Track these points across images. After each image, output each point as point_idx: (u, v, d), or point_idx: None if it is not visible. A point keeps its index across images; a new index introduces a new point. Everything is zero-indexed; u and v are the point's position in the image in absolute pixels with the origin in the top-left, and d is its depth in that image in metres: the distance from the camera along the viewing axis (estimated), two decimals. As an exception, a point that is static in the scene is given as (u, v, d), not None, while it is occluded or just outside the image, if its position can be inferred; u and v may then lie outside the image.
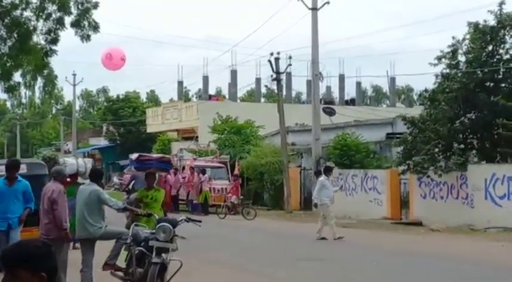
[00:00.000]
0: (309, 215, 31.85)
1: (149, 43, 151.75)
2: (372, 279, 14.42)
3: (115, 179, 57.11)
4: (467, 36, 27.15)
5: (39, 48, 19.43)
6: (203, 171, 33.80)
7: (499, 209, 24.16)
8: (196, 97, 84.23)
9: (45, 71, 20.58)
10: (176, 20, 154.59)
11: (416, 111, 34.34)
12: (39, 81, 20.86)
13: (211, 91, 68.99)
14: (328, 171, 23.07)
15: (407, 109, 52.84)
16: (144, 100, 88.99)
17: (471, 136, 27.16)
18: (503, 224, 23.43)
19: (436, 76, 27.90)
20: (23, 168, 15.75)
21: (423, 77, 64.31)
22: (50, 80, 21.11)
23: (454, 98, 26.47)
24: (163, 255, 10.93)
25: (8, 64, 19.73)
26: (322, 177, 22.32)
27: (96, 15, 19.50)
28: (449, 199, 26.19)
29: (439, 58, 27.42)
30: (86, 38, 19.17)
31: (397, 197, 29.31)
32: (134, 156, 17.81)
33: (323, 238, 21.17)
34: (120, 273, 11.65)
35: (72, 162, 18.61)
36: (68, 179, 16.32)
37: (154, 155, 14.14)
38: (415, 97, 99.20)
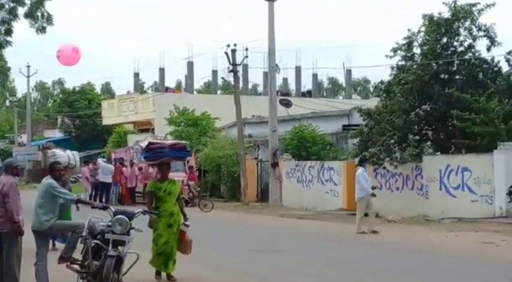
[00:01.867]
0: (265, 206, 31.95)
1: (105, 36, 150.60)
2: (327, 270, 14.48)
3: (71, 172, 56.60)
4: (422, 29, 27.40)
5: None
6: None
7: (453, 199, 24.48)
8: (152, 89, 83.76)
9: (1, 63, 20.27)
10: (133, 12, 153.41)
11: (372, 103, 34.62)
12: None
13: (171, 84, 68.74)
14: (364, 161, 23.07)
15: (363, 101, 53.15)
16: (99, 92, 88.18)
17: (426, 127, 27.43)
18: (458, 215, 23.74)
19: (392, 68, 28.14)
20: (-26, 162, 15.57)
21: (379, 69, 64.70)
22: (3, 72, 20.83)
23: (410, 90, 26.71)
24: (119, 248, 10.81)
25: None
26: (361, 169, 22.06)
27: (50, 8, 19.28)
28: (405, 190, 26.46)
29: (394, 50, 27.63)
30: (40, 30, 18.95)
31: (353, 188, 29.41)
32: (144, 144, 12.62)
33: (363, 232, 20.94)
34: (76, 266, 11.50)
35: (63, 155, 16.90)
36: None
37: (167, 142, 11.15)
38: (372, 89, 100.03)
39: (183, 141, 13.68)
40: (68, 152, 17.37)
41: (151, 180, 13.07)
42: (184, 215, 12.49)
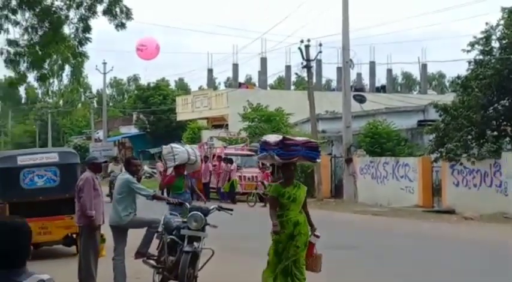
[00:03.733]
0: (339, 203, 31.76)
1: (178, 31, 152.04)
2: (406, 270, 14.27)
3: (146, 168, 57.32)
4: (501, 22, 26.79)
5: (72, 37, 19.41)
6: (230, 160, 33.81)
7: (533, 196, 23.89)
8: (225, 85, 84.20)
9: (77, 60, 20.57)
10: (205, 7, 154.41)
11: (448, 98, 34.02)
12: (67, 70, 20.87)
13: (241, 79, 68.91)
14: None
15: (438, 96, 52.37)
16: (174, 88, 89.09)
17: (505, 123, 26.82)
18: (538, 212, 23.17)
19: (469, 62, 27.59)
20: (55, 157, 15.84)
21: (455, 63, 63.84)
22: (78, 69, 21.12)
23: (488, 85, 26.13)
24: (195, 243, 10.91)
25: (39, 53, 19.75)
26: None
27: (127, 2, 19.41)
28: (483, 187, 25.92)
29: (472, 44, 27.09)
30: (120, 26, 19.08)
31: (429, 185, 29.06)
32: (272, 138, 10.57)
33: None
34: (152, 262, 11.64)
35: (182, 150, 15.27)
36: (170, 172, 15.33)
37: (299, 138, 9.66)
38: (447, 84, 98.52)
39: (315, 140, 11.32)
40: (187, 146, 16.03)
41: (275, 184, 10.69)
42: (312, 225, 10.34)
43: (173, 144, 15.82)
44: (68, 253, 16.05)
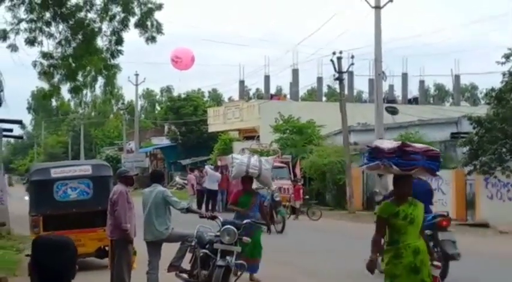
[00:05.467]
0: (371, 215, 31.50)
1: (210, 43, 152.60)
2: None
3: (177, 179, 57.44)
4: (537, 34, 26.52)
5: (105, 49, 19.55)
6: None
7: None
8: (254, 96, 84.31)
9: (109, 71, 20.69)
10: (237, 19, 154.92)
11: (482, 110, 33.68)
12: (100, 81, 21.03)
13: (272, 90, 68.88)
14: None
15: (471, 108, 51.91)
16: (208, 99, 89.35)
17: (540, 136, 26.49)
18: None
19: (504, 74, 27.32)
20: (88, 170, 15.91)
21: (487, 75, 63.20)
22: (111, 80, 21.25)
23: (522, 97, 25.86)
24: (227, 258, 10.87)
25: (73, 65, 19.90)
26: None
27: (158, 15, 19.53)
28: (517, 200, 25.60)
29: (507, 56, 26.84)
30: (150, 39, 19.20)
31: (463, 198, 28.76)
32: (386, 144, 8.79)
33: None
34: (185, 275, 11.62)
35: (241, 161, 13.76)
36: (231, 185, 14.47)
37: (418, 145, 8.13)
38: (480, 95, 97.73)
39: (435, 149, 9.13)
40: (253, 157, 14.49)
41: (385, 201, 8.71)
42: (431, 254, 8.57)
43: (234, 154, 15.13)
44: (99, 265, 16.07)
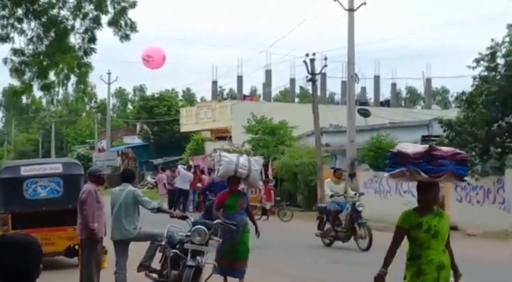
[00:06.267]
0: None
1: (184, 43, 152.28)
2: None
3: (149, 178, 57.28)
4: (507, 39, 26.78)
5: (78, 47, 19.45)
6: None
7: (537, 214, 23.80)
8: (228, 97, 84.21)
9: (81, 70, 20.58)
10: (210, 19, 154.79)
11: (452, 113, 33.96)
12: (72, 79, 20.91)
13: (246, 91, 68.97)
14: None
15: (442, 111, 52.35)
16: (181, 99, 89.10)
17: (509, 140, 26.76)
18: (542, 230, 23.07)
19: (474, 78, 27.57)
20: (58, 168, 15.83)
21: (458, 79, 63.86)
22: (83, 79, 21.13)
23: (492, 101, 26.11)
24: (198, 258, 10.86)
25: (44, 63, 19.77)
26: None
27: (132, 14, 19.47)
28: (486, 204, 25.82)
29: (477, 60, 27.07)
30: (124, 37, 19.14)
31: (433, 201, 28.91)
32: (411, 149, 7.73)
33: None
34: (154, 275, 11.60)
35: (229, 160, 12.85)
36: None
37: (445, 149, 7.97)
38: (451, 99, 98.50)
39: (463, 152, 8.25)
40: (242, 157, 13.43)
41: (407, 210, 7.71)
42: (456, 269, 7.83)
43: (223, 152, 14.06)
44: (69, 264, 15.99)
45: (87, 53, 19.52)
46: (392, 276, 7.37)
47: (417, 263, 7.36)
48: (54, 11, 19.26)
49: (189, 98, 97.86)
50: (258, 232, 12.71)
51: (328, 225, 20.77)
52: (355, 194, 20.22)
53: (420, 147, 7.71)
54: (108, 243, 12.05)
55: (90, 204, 11.45)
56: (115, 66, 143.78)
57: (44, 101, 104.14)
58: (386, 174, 7.96)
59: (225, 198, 12.66)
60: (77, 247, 14.89)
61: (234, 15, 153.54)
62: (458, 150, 7.79)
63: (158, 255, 11.77)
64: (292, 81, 60.64)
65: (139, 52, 30.18)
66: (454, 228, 25.81)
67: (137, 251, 11.96)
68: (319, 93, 44.49)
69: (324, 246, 21.02)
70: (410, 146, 7.84)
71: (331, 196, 20.58)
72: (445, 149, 7.83)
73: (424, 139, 34.25)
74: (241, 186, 14.07)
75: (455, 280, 7.68)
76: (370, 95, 68.28)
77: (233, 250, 12.27)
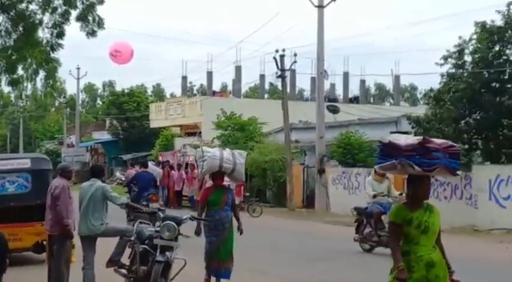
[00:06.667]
0: (311, 212, 31.82)
1: (155, 39, 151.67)
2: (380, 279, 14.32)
3: (118, 174, 57.07)
4: (474, 36, 27.05)
5: (45, 42, 19.37)
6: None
7: (503, 210, 24.04)
8: (199, 92, 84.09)
9: (50, 65, 20.48)
10: (182, 16, 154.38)
11: (420, 110, 34.26)
12: (41, 74, 20.82)
13: (217, 87, 68.98)
14: None
15: (411, 108, 52.73)
16: (151, 94, 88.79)
17: (476, 136, 27.06)
18: (507, 226, 23.31)
19: (442, 76, 27.83)
20: (27, 163, 15.71)
21: (426, 76, 64.35)
22: (52, 74, 21.04)
23: (460, 98, 26.39)
24: (167, 253, 10.84)
25: (12, 57, 19.65)
26: None
27: (101, 10, 19.43)
28: (453, 199, 26.07)
29: (445, 58, 27.34)
30: (91, 33, 19.10)
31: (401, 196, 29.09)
32: (403, 140, 7.40)
33: None
34: (123, 271, 11.57)
35: (213, 155, 12.22)
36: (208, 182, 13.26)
37: (438, 141, 7.54)
38: (419, 96, 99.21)
39: (458, 146, 8.09)
40: (226, 151, 12.76)
41: (397, 205, 7.79)
42: (448, 267, 7.43)
43: (205, 147, 13.15)
44: (37, 260, 15.91)
45: (54, 48, 19.45)
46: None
47: (406, 260, 7.07)
48: (23, 5, 19.17)
49: (159, 94, 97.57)
50: (240, 229, 12.42)
51: (369, 229, 18.83)
52: (400, 194, 18.40)
53: (413, 139, 7.32)
54: (75, 238, 12.01)
55: (63, 200, 11.40)
56: (84, 61, 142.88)
57: (12, 96, 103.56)
58: (376, 166, 7.72)
59: (209, 193, 12.31)
60: (44, 243, 14.81)
61: (205, 12, 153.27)
62: (451, 143, 7.41)
63: (127, 251, 11.75)
64: (262, 77, 60.69)
65: (108, 47, 30.11)
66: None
67: (105, 246, 11.94)
68: (288, 89, 44.59)
69: (299, 242, 21.10)
70: (402, 137, 7.45)
71: (374, 196, 18.84)
72: (438, 141, 7.42)
73: (393, 136, 34.52)
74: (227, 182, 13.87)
75: (449, 278, 7.35)
76: (339, 91, 68.67)
77: (220, 249, 12.09)
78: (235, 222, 12.48)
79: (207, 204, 12.20)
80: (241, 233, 12.43)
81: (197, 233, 12.04)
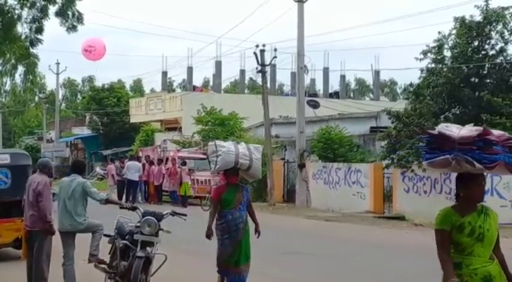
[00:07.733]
0: (291, 207, 31.87)
1: (135, 34, 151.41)
2: (358, 274, 14.42)
3: (98, 169, 56.89)
4: (453, 31, 27.21)
5: (24, 37, 19.26)
6: (183, 163, 33.76)
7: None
8: (180, 88, 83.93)
9: (29, 60, 20.38)
10: (162, 11, 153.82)
11: (400, 105, 34.42)
12: (20, 69, 20.74)
13: (198, 82, 68.86)
14: None
15: (391, 103, 52.94)
16: (130, 90, 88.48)
17: (455, 131, 27.18)
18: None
19: (422, 71, 27.98)
20: (6, 159, 15.62)
21: (407, 71, 64.56)
22: (32, 69, 20.94)
23: (439, 93, 26.54)
24: (148, 248, 10.83)
25: (-10, 52, 19.55)
26: None
27: (80, 4, 19.34)
28: (433, 194, 26.23)
29: (424, 53, 27.49)
30: (71, 28, 19.02)
31: (381, 191, 29.29)
32: (455, 130, 5.91)
33: None
34: (104, 266, 11.55)
35: (228, 150, 11.13)
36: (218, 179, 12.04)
37: (496, 132, 5.98)
38: (399, 91, 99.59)
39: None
40: (241, 145, 11.54)
41: (444, 208, 6.23)
42: (510, 277, 6.22)
43: (218, 141, 11.92)
44: (17, 256, 15.82)
45: (33, 43, 19.36)
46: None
47: (457, 274, 5.88)
48: (1, 0, 19.06)
49: (138, 89, 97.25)
50: (258, 231, 11.47)
51: None
52: None
53: (469, 130, 6.03)
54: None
55: (46, 196, 11.36)
56: (64, 57, 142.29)
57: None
58: (424, 162, 6.37)
59: (222, 192, 11.18)
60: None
61: (185, 7, 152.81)
62: (508, 135, 6.13)
63: (108, 247, 11.74)
64: (242, 72, 60.67)
65: (81, 43, 30.00)
66: (401, 218, 26.39)
67: (83, 242, 11.93)
68: (269, 84, 44.63)
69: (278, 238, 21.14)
70: (454, 127, 6.15)
71: None
72: (496, 132, 6.10)
73: (373, 130, 34.68)
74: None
75: None
76: (319, 86, 68.80)
77: (235, 252, 11.09)
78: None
79: (220, 203, 11.13)
80: (258, 236, 11.40)
81: (207, 236, 11.12)
